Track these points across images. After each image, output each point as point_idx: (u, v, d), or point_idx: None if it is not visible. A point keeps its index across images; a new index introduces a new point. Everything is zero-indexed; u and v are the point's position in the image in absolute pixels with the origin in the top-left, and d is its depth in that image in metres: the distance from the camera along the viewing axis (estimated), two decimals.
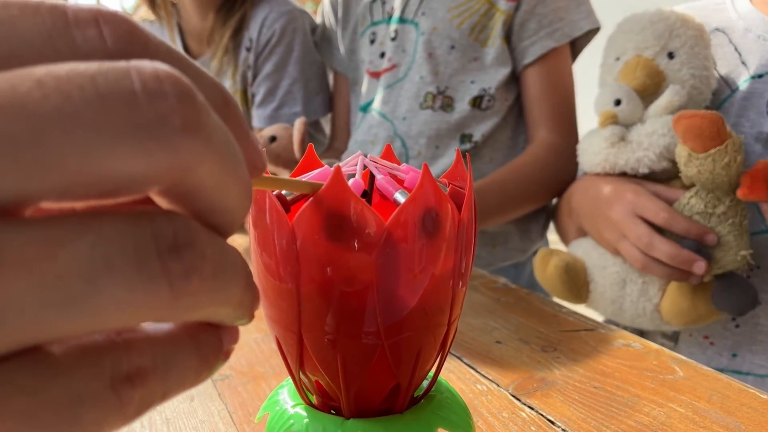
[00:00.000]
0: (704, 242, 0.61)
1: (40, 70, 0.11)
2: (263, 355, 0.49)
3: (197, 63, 0.15)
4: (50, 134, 0.11)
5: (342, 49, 1.02)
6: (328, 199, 0.22)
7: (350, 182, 0.24)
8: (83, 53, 0.12)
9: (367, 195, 0.25)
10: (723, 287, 0.62)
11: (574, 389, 0.43)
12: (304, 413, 0.27)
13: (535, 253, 0.84)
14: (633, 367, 0.46)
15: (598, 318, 0.74)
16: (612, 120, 0.68)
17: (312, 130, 1.08)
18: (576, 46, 0.91)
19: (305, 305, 0.24)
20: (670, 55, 0.68)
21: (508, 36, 0.89)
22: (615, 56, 0.72)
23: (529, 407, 0.41)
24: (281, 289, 0.24)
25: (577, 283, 0.70)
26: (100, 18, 0.13)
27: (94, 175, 0.11)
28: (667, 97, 0.66)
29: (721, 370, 0.51)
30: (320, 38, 1.07)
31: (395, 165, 0.27)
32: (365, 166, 0.26)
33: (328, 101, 1.08)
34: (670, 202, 0.63)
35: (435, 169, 0.88)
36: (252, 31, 1.03)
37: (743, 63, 0.71)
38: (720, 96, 0.72)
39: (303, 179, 0.23)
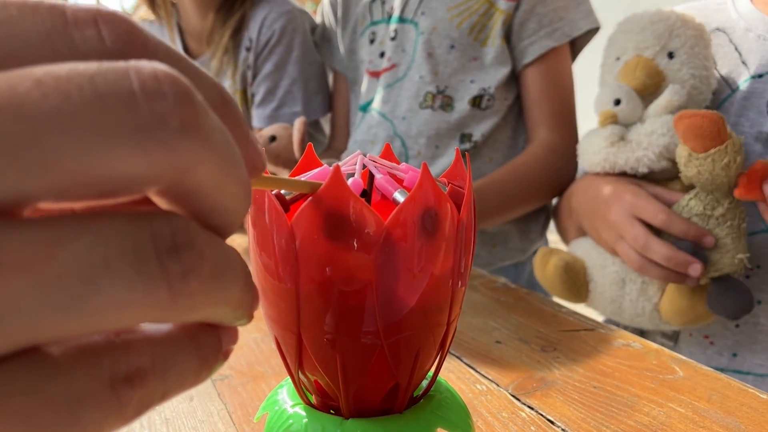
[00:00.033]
0: (702, 244, 0.61)
1: (39, 71, 0.11)
2: (262, 355, 0.49)
3: (197, 63, 0.15)
4: (49, 134, 0.11)
5: (342, 48, 1.02)
6: (328, 198, 0.22)
7: (349, 182, 0.24)
8: (82, 53, 0.12)
9: (366, 194, 0.25)
10: (719, 291, 0.62)
11: (573, 389, 0.43)
12: (303, 413, 0.27)
13: (534, 252, 0.84)
14: (633, 367, 0.46)
15: (598, 318, 0.74)
16: (612, 120, 0.68)
17: (312, 130, 1.08)
18: (576, 46, 0.91)
19: (304, 305, 0.24)
20: (670, 55, 0.68)
21: (507, 35, 0.89)
22: (615, 56, 0.72)
23: (529, 407, 0.41)
24: (280, 288, 0.24)
25: (576, 282, 0.70)
26: (99, 18, 0.13)
27: (92, 176, 0.11)
28: (666, 97, 0.66)
29: (722, 370, 0.51)
30: (320, 38, 1.07)
31: (395, 164, 0.27)
32: (364, 166, 0.26)
33: (327, 101, 1.08)
34: (669, 204, 0.63)
35: (435, 169, 0.88)
36: (252, 30, 1.03)
37: (743, 63, 0.71)
38: (720, 96, 0.72)
39: (302, 179, 0.23)
